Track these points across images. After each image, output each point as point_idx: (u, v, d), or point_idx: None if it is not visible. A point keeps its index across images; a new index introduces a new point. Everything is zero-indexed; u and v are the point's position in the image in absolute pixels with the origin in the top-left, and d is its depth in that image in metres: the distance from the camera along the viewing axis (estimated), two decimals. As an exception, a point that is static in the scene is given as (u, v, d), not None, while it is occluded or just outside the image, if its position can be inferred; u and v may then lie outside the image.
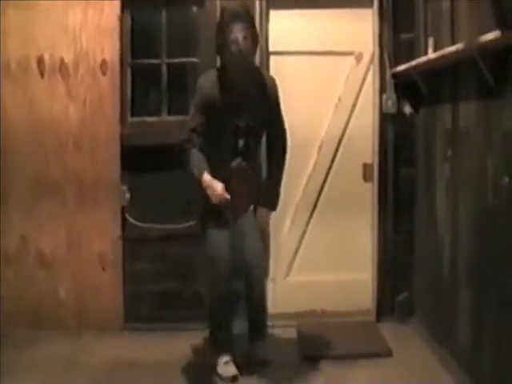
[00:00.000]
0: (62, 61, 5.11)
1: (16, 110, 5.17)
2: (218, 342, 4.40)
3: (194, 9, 5.24)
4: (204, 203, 4.16)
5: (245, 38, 4.02)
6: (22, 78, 5.15)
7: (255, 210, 4.37)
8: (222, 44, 4.08)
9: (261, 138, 4.37)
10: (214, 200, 3.98)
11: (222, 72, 4.17)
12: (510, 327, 3.43)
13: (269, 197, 4.36)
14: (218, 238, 4.21)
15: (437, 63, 4.30)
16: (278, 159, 4.40)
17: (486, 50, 3.48)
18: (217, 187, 3.97)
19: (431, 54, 4.34)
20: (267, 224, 4.51)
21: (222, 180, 4.07)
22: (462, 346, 4.17)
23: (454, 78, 4.24)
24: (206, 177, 4.01)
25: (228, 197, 3.97)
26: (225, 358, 4.32)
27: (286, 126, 4.42)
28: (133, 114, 5.34)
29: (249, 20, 4.12)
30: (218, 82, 4.15)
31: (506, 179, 3.44)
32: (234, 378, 4.25)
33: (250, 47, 4.08)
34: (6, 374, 4.34)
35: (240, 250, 4.27)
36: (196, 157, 4.12)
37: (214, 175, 4.10)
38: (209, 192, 3.99)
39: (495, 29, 3.33)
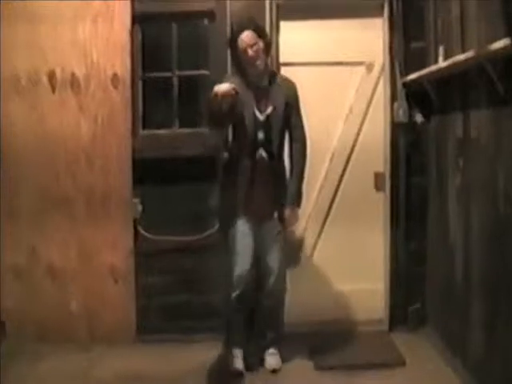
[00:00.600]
0: (73, 75, 5.19)
1: (26, 124, 5.26)
2: (232, 343, 4.68)
3: (205, 22, 5.35)
4: (227, 209, 4.51)
5: (252, 46, 4.33)
6: (32, 92, 5.23)
7: (280, 212, 4.55)
8: (234, 56, 4.47)
9: (281, 134, 4.54)
10: (222, 92, 4.03)
11: (240, 74, 4.47)
12: None
13: (291, 194, 4.54)
14: (241, 245, 4.45)
15: (447, 72, 4.36)
16: (299, 160, 4.61)
17: (496, 58, 3.52)
18: (222, 86, 4.05)
19: (442, 63, 4.40)
20: (296, 221, 4.69)
21: (246, 172, 4.41)
22: (475, 356, 4.20)
23: (465, 86, 4.30)
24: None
25: (233, 88, 4.05)
26: (236, 352, 4.65)
27: (306, 129, 4.64)
28: (144, 127, 5.43)
29: (254, 27, 4.42)
30: (238, 80, 4.39)
31: None
32: (239, 374, 4.55)
33: (259, 53, 4.36)
34: None
35: (262, 259, 4.52)
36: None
37: (239, 167, 4.43)
38: (218, 93, 4.03)
39: (505, 37, 3.36)
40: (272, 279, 4.57)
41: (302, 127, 4.64)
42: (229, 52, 4.82)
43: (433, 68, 4.59)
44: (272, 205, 4.52)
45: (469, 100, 4.28)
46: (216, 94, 4.04)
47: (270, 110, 4.46)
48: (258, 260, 4.52)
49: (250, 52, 4.34)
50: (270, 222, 4.51)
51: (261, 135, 4.45)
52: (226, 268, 4.61)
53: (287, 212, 4.52)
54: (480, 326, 4.14)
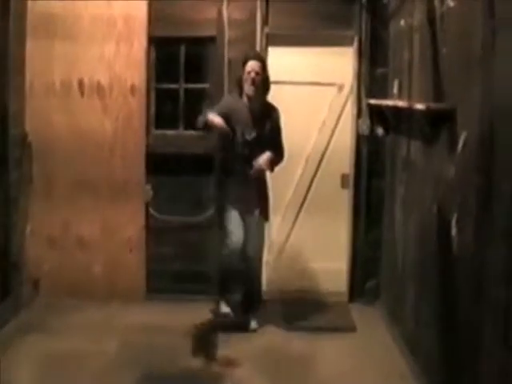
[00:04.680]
0: (98, 83, 5.87)
1: (60, 122, 5.91)
2: (223, 297, 5.34)
3: (207, 45, 6.00)
4: (222, 199, 5.26)
5: (257, 73, 5.13)
6: (65, 96, 5.90)
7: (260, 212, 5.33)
8: (241, 75, 5.18)
9: (263, 151, 5.20)
10: (216, 127, 4.89)
11: (239, 96, 5.24)
12: (443, 316, 4.12)
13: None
14: (235, 223, 5.17)
15: (395, 107, 5.09)
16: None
17: (422, 112, 4.28)
18: (214, 119, 4.88)
19: (389, 101, 5.18)
20: (264, 164, 5.13)
21: (233, 181, 5.16)
22: (407, 326, 4.96)
23: (408, 119, 4.94)
24: (209, 116, 4.91)
25: (222, 125, 4.87)
26: (224, 303, 5.32)
27: (285, 146, 5.32)
28: (156, 128, 6.11)
29: (262, 61, 5.24)
30: (236, 101, 5.21)
31: (435, 208, 4.27)
32: (227, 315, 5.29)
33: (260, 81, 5.15)
34: (53, 335, 5.14)
35: (246, 241, 5.22)
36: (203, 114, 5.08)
37: (228, 175, 5.18)
38: (212, 126, 4.90)
39: (434, 98, 4.23)
40: (252, 252, 5.32)
41: (282, 146, 5.30)
42: (227, 71, 5.76)
43: (384, 102, 5.34)
44: (254, 202, 5.25)
45: (410, 130, 4.97)
46: (207, 123, 4.91)
47: (256, 132, 5.11)
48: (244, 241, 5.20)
49: (252, 74, 5.09)
50: (253, 215, 5.26)
51: (246, 152, 5.12)
52: (220, 240, 5.29)
53: (261, 156, 5.09)
54: (411, 303, 4.90)
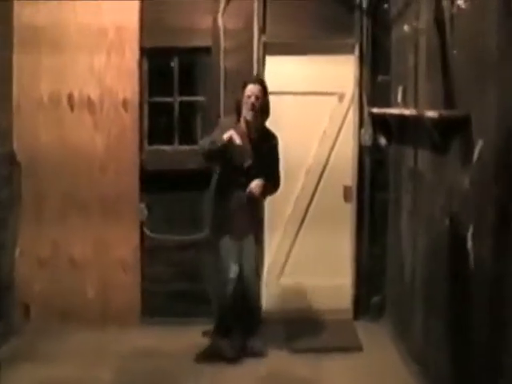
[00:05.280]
0: (89, 98, 5.70)
1: (48, 138, 5.74)
2: (221, 333, 5.21)
3: (202, 56, 5.83)
4: (216, 224, 5.16)
5: (257, 97, 5.01)
6: (53, 111, 5.72)
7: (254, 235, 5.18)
8: (240, 99, 5.06)
9: (259, 177, 5.06)
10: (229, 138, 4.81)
11: (237, 120, 5.11)
12: (456, 332, 4.00)
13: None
14: (227, 250, 5.09)
15: (401, 116, 4.95)
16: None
17: (433, 120, 4.09)
18: (228, 133, 4.82)
19: (394, 110, 5.02)
20: (258, 190, 5.01)
21: (228, 205, 5.04)
22: (416, 343, 4.83)
23: (416, 128, 4.77)
24: (227, 134, 4.83)
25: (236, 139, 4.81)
26: (226, 343, 5.16)
27: (281, 176, 5.19)
28: (150, 143, 5.94)
29: (263, 85, 5.10)
30: (233, 126, 5.01)
31: (447, 220, 4.12)
32: (233, 359, 5.07)
33: (259, 106, 5.02)
34: (45, 363, 4.98)
35: (240, 262, 5.12)
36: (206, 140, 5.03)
37: (222, 202, 5.07)
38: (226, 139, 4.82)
39: (444, 105, 4.07)
40: (247, 278, 5.15)
41: (278, 175, 5.19)
42: (223, 83, 5.63)
43: (388, 111, 5.20)
44: (248, 227, 5.12)
45: (418, 139, 4.81)
46: (227, 140, 4.81)
47: (253, 159, 5.01)
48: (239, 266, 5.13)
49: (252, 99, 4.97)
50: (248, 239, 5.11)
51: (242, 179, 4.99)
52: (214, 268, 5.22)
53: (255, 181, 4.98)
54: (420, 319, 4.77)
